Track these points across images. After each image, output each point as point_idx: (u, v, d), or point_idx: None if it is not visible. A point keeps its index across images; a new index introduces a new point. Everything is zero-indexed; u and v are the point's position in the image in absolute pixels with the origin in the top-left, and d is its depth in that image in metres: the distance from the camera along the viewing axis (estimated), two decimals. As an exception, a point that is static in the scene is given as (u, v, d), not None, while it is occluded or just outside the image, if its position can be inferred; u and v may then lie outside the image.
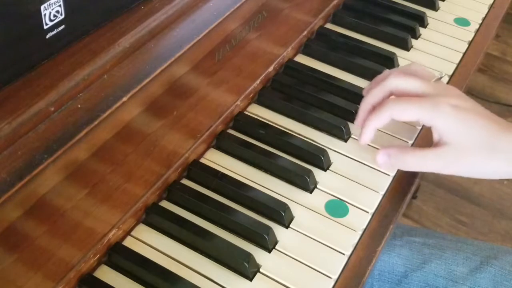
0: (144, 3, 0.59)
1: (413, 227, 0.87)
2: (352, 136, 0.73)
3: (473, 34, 0.89)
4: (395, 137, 0.72)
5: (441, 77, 0.67)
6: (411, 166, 0.64)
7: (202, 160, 0.68)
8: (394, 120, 0.64)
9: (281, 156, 0.69)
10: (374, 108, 0.66)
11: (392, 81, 0.65)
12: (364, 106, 0.67)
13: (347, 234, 0.62)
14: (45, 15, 0.48)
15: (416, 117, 0.62)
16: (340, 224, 0.63)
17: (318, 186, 0.67)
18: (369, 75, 0.80)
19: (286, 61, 0.81)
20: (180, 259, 0.59)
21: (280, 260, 0.60)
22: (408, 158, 0.64)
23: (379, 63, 0.82)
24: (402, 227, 0.84)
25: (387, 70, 0.72)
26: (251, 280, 0.58)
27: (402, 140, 0.71)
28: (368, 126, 0.65)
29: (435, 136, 0.63)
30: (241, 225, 0.61)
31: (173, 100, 0.62)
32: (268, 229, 0.61)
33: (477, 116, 0.61)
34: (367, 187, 0.67)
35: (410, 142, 0.72)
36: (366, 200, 0.66)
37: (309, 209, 0.64)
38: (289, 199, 0.65)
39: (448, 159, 0.61)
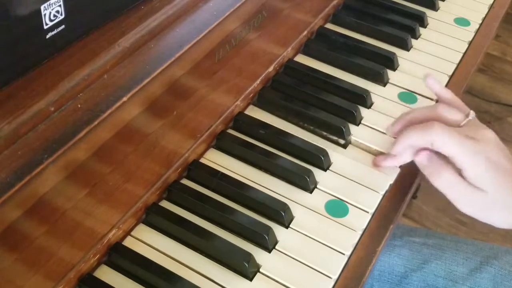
0: (144, 3, 0.59)
1: (413, 227, 0.87)
2: (352, 136, 0.72)
3: (473, 34, 0.89)
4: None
5: (471, 117, 0.67)
6: (442, 182, 0.63)
7: (202, 160, 0.68)
8: None
9: (281, 156, 0.69)
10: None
11: (436, 135, 0.62)
12: (405, 121, 0.67)
13: (347, 234, 0.62)
14: (45, 15, 0.48)
15: (452, 155, 0.62)
16: (340, 224, 0.63)
17: (318, 186, 0.67)
18: (369, 75, 0.80)
19: (286, 61, 0.81)
20: (180, 259, 0.59)
21: (280, 260, 0.60)
22: (446, 174, 0.63)
23: (379, 63, 0.82)
24: (402, 227, 0.84)
25: (419, 111, 0.68)
26: (251, 280, 0.58)
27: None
28: (405, 139, 0.65)
29: (464, 173, 0.63)
30: (241, 225, 0.61)
31: (173, 100, 0.62)
32: (268, 229, 0.61)
33: (505, 173, 0.62)
34: (367, 187, 0.67)
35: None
36: (366, 200, 0.66)
37: (309, 209, 0.64)
38: (289, 199, 0.65)
39: (469, 199, 0.62)
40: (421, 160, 0.64)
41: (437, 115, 0.66)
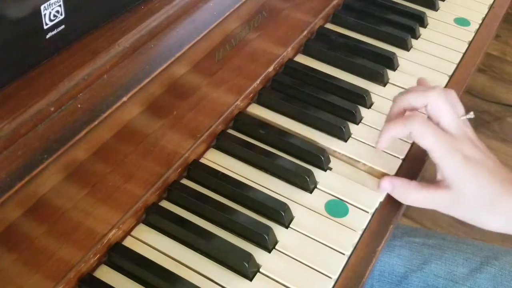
0: (144, 3, 0.59)
1: (413, 227, 0.87)
2: (352, 136, 0.72)
3: (473, 34, 0.89)
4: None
5: (470, 117, 0.66)
6: (413, 202, 0.65)
7: (202, 160, 0.68)
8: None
9: (281, 156, 0.69)
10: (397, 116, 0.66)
11: (433, 96, 0.63)
12: (396, 107, 0.66)
13: (347, 234, 0.62)
14: (45, 15, 0.48)
15: (429, 149, 0.62)
16: (340, 224, 0.63)
17: (318, 186, 0.67)
18: (369, 75, 0.80)
19: (286, 61, 0.81)
20: (180, 259, 0.59)
21: (280, 260, 0.60)
22: (411, 194, 0.64)
23: (379, 63, 0.82)
24: (402, 227, 0.84)
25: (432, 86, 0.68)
26: (251, 280, 0.58)
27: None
28: (386, 132, 0.65)
29: (439, 175, 0.63)
30: (241, 225, 0.61)
31: (173, 100, 0.62)
32: (268, 229, 0.61)
33: (485, 171, 0.61)
34: (367, 187, 0.67)
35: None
36: (366, 200, 0.66)
37: (309, 209, 0.64)
38: (289, 199, 0.65)
39: (449, 204, 0.63)
40: (387, 188, 0.66)
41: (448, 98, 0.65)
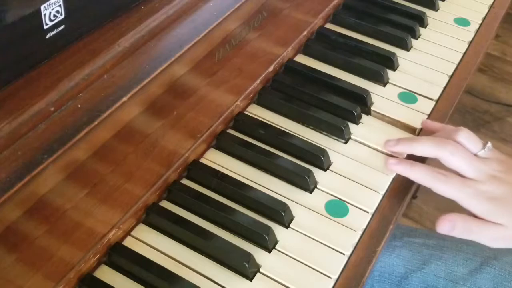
0: (144, 3, 0.59)
1: (413, 228, 0.87)
2: (352, 136, 0.73)
3: (473, 34, 0.89)
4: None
5: (489, 148, 0.67)
6: (470, 235, 0.64)
7: (202, 160, 0.68)
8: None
9: (281, 156, 0.69)
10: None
11: (445, 153, 0.65)
12: (406, 149, 0.68)
13: (347, 234, 0.62)
14: (45, 15, 0.48)
15: (452, 198, 0.64)
16: (340, 224, 0.63)
17: (318, 186, 0.67)
18: (369, 75, 0.80)
19: (286, 61, 0.81)
20: (180, 259, 0.59)
21: (280, 260, 0.60)
22: (470, 227, 0.63)
23: (379, 63, 0.82)
24: (402, 228, 0.84)
25: (433, 142, 0.68)
26: (251, 280, 0.58)
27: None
28: (403, 170, 0.67)
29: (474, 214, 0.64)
30: (241, 225, 0.61)
31: (173, 100, 0.62)
32: (268, 229, 0.61)
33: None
34: (367, 187, 0.67)
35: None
36: (366, 200, 0.66)
37: (309, 209, 0.64)
38: (289, 199, 0.65)
39: (500, 236, 0.63)
40: (447, 230, 0.64)
41: (455, 139, 0.66)
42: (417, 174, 0.65)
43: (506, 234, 0.63)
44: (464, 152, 0.65)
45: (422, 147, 0.66)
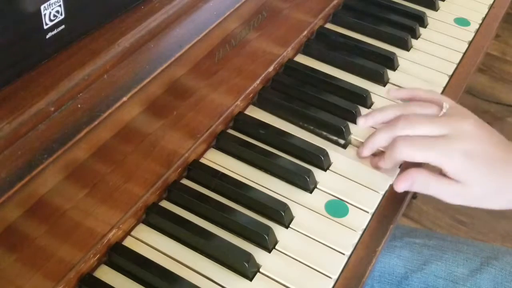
0: (144, 3, 0.59)
1: (413, 228, 0.87)
2: (352, 136, 0.72)
3: (473, 34, 0.89)
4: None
5: (445, 110, 0.67)
6: (427, 190, 0.64)
7: (202, 160, 0.68)
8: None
9: (281, 156, 0.69)
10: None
11: (400, 132, 0.64)
12: (370, 147, 0.68)
13: (347, 234, 0.62)
14: (45, 15, 0.48)
15: (426, 161, 0.63)
16: (340, 224, 0.63)
17: (318, 186, 0.67)
18: (369, 75, 0.80)
19: (286, 61, 0.81)
20: (180, 259, 0.59)
21: (280, 260, 0.60)
22: (428, 181, 0.64)
23: (379, 63, 0.82)
24: (402, 228, 0.84)
25: (392, 108, 0.70)
26: (251, 280, 0.58)
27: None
28: (378, 167, 0.67)
29: (444, 172, 0.63)
30: (241, 225, 0.61)
31: (173, 100, 0.62)
32: (268, 229, 0.61)
33: (487, 162, 0.62)
34: (367, 187, 0.67)
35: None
36: (366, 200, 0.66)
37: (309, 209, 0.64)
38: (289, 199, 0.65)
39: (459, 195, 0.63)
40: (405, 187, 0.65)
41: (409, 113, 0.66)
42: (399, 154, 0.64)
43: (465, 192, 0.63)
44: (419, 116, 0.65)
45: (378, 139, 0.67)
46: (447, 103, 0.67)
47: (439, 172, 0.64)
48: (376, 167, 0.68)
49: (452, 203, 0.64)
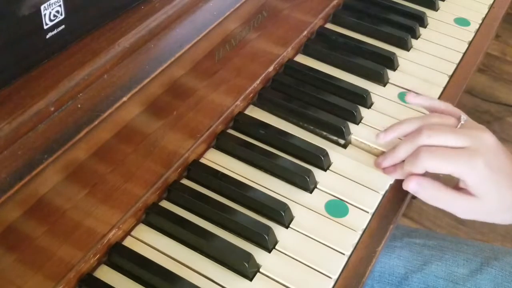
0: (144, 3, 0.59)
1: (413, 228, 0.87)
2: (352, 136, 0.72)
3: (473, 34, 0.89)
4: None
5: (464, 120, 0.66)
6: (440, 203, 0.64)
7: (202, 160, 0.68)
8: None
9: (281, 156, 0.69)
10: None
11: (424, 141, 0.64)
12: (394, 159, 0.67)
13: (347, 234, 0.62)
14: (45, 15, 0.48)
15: (449, 172, 0.62)
16: (340, 224, 0.63)
17: (318, 186, 0.67)
18: (369, 75, 0.80)
19: (286, 61, 0.81)
20: (180, 259, 0.59)
21: (280, 260, 0.60)
22: (441, 195, 0.64)
23: (379, 63, 0.82)
24: (402, 228, 0.84)
25: (413, 120, 0.68)
26: (251, 280, 0.58)
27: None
28: (401, 174, 0.66)
29: (462, 184, 0.63)
30: (241, 225, 0.61)
31: (173, 100, 0.62)
32: (268, 229, 0.61)
33: (506, 175, 0.62)
34: (367, 187, 0.67)
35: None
36: (366, 200, 0.66)
37: (309, 209, 0.64)
38: (289, 199, 0.65)
39: (473, 210, 0.63)
40: (414, 189, 0.65)
41: (429, 125, 0.66)
42: (421, 164, 0.63)
43: (479, 206, 0.63)
44: (442, 126, 0.65)
45: (402, 151, 0.66)
46: (464, 115, 0.67)
47: (453, 186, 0.64)
48: (388, 173, 0.68)
49: (463, 218, 0.64)
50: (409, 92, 0.72)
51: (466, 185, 0.63)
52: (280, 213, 0.62)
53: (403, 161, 0.66)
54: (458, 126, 0.66)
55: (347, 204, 0.65)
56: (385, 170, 0.68)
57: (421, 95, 0.72)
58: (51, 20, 0.49)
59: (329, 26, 0.89)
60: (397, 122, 0.70)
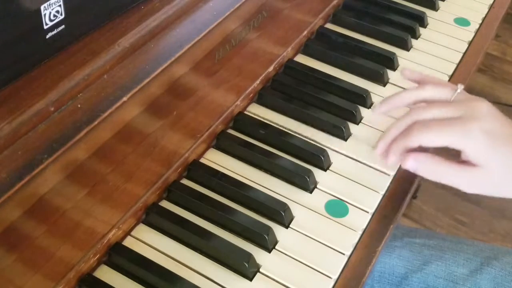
0: (144, 3, 0.59)
1: (413, 228, 0.87)
2: (352, 136, 0.72)
3: (473, 34, 0.89)
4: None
5: (461, 88, 0.65)
6: (441, 177, 0.61)
7: (202, 160, 0.68)
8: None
9: (281, 156, 0.69)
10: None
11: (415, 116, 0.62)
12: (387, 138, 0.64)
13: (347, 234, 0.62)
14: (45, 15, 0.48)
15: (446, 144, 0.60)
16: (340, 224, 0.63)
17: (318, 186, 0.67)
18: (369, 75, 0.80)
19: (286, 61, 0.81)
20: (180, 259, 0.59)
21: (280, 260, 0.60)
22: (440, 168, 0.61)
23: (379, 63, 0.82)
24: (402, 228, 0.84)
25: (406, 92, 0.67)
26: (251, 280, 0.58)
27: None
28: (395, 152, 0.63)
29: (463, 156, 0.61)
30: (241, 225, 0.61)
31: (173, 100, 0.62)
32: (268, 229, 0.61)
33: (507, 141, 0.60)
34: (367, 187, 0.67)
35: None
36: (366, 200, 0.66)
37: (309, 209, 0.64)
38: (289, 199, 0.65)
39: (477, 181, 0.61)
40: (413, 166, 0.62)
41: (424, 96, 0.65)
42: (415, 138, 0.61)
43: (484, 177, 0.60)
44: (434, 102, 0.63)
45: (393, 130, 0.63)
46: (461, 85, 0.65)
47: (457, 160, 0.61)
48: (384, 155, 0.65)
49: (469, 192, 0.61)
50: (405, 68, 0.69)
51: (466, 156, 0.60)
52: (280, 213, 0.62)
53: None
54: (454, 96, 0.64)
55: (347, 204, 0.65)
56: (383, 155, 0.65)
57: (416, 71, 0.70)
58: (51, 20, 0.49)
59: (329, 26, 0.89)
60: (392, 94, 0.68)
